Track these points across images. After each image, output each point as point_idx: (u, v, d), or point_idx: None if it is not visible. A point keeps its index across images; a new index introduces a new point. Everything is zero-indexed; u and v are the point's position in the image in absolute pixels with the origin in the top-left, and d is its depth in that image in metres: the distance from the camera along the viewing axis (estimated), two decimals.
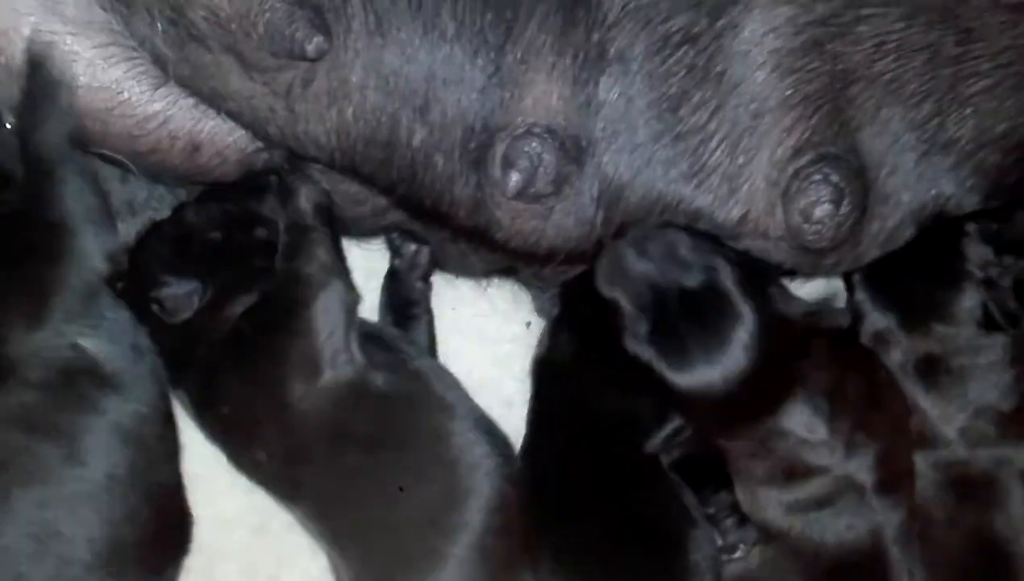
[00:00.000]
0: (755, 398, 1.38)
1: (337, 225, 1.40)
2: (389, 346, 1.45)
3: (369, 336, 1.42)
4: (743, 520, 1.40)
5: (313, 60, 1.24)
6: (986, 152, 1.32)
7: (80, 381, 1.33)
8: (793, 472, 1.41)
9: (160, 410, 1.39)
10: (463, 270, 1.54)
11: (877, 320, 1.45)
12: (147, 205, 1.47)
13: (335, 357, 1.37)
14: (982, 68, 1.29)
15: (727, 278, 1.34)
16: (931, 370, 1.43)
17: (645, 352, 1.36)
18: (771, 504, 1.42)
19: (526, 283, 1.57)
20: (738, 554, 1.39)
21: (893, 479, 1.40)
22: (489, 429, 1.43)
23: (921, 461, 1.44)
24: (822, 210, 1.28)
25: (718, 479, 1.42)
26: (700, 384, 1.35)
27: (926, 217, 1.34)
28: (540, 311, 1.60)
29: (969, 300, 1.42)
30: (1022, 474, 1.42)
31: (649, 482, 1.44)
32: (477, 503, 1.37)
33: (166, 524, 1.39)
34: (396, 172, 1.31)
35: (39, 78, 1.30)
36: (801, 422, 1.39)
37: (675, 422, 1.44)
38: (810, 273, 1.39)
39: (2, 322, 1.31)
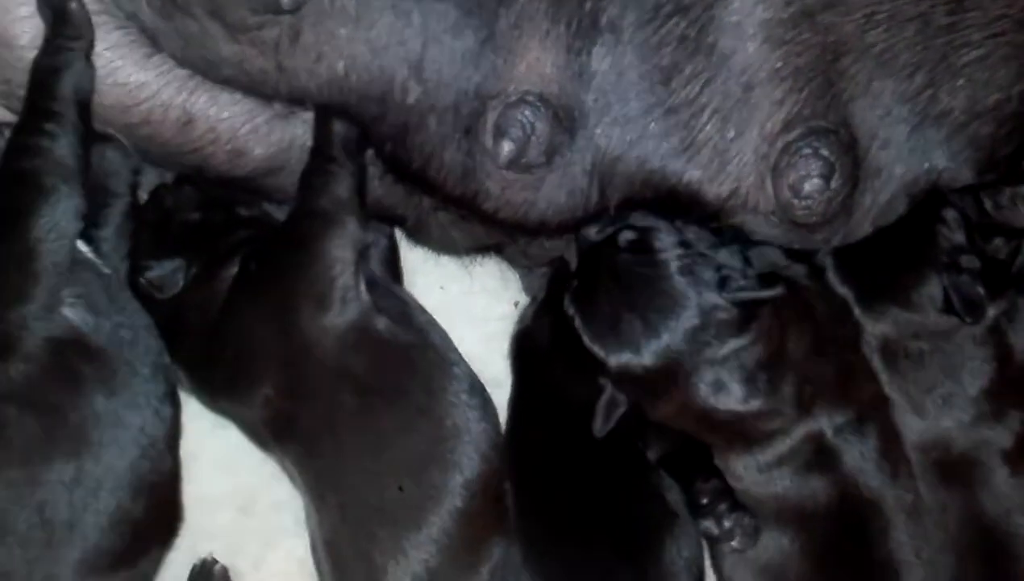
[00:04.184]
0: (673, 373, 1.37)
1: (363, 163, 1.38)
2: (393, 294, 1.44)
3: (374, 282, 1.41)
4: (736, 506, 1.38)
5: (290, 12, 1.22)
6: (979, 123, 1.31)
7: (67, 353, 1.31)
8: (751, 438, 1.40)
9: (153, 391, 1.37)
10: (446, 247, 1.52)
11: (838, 288, 1.45)
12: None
13: (344, 293, 1.36)
14: (974, 38, 1.28)
15: (668, 253, 1.35)
16: (889, 352, 1.43)
17: (571, 311, 1.37)
18: (742, 469, 1.42)
19: (513, 261, 1.56)
20: (735, 543, 1.38)
21: (860, 414, 1.41)
22: (482, 395, 1.42)
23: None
24: (812, 185, 1.28)
25: (706, 469, 1.41)
26: (609, 353, 1.36)
27: (919, 191, 1.34)
28: (528, 290, 1.59)
29: (929, 287, 1.41)
30: (1002, 453, 1.42)
31: (628, 475, 1.44)
32: (461, 465, 1.36)
33: (155, 517, 1.38)
34: (388, 128, 1.30)
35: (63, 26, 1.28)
36: (733, 399, 1.38)
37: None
38: (801, 248, 1.38)
39: None
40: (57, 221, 1.29)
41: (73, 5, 1.26)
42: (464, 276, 1.59)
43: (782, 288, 1.38)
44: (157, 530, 1.39)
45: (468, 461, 1.37)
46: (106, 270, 1.38)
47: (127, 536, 1.34)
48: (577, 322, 1.37)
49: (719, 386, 1.36)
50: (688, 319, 1.34)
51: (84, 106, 1.31)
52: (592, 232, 1.38)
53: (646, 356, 1.35)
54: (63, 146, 1.30)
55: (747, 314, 1.36)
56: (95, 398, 1.32)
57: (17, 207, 1.29)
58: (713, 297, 1.35)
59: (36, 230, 1.28)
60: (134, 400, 1.35)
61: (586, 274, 1.37)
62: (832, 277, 1.45)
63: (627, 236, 1.36)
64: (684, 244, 1.35)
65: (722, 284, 1.35)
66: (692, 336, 1.34)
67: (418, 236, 1.51)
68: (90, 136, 1.32)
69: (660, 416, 1.41)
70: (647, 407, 1.40)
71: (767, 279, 1.40)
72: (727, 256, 1.37)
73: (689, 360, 1.35)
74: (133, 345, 1.36)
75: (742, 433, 1.39)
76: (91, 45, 1.29)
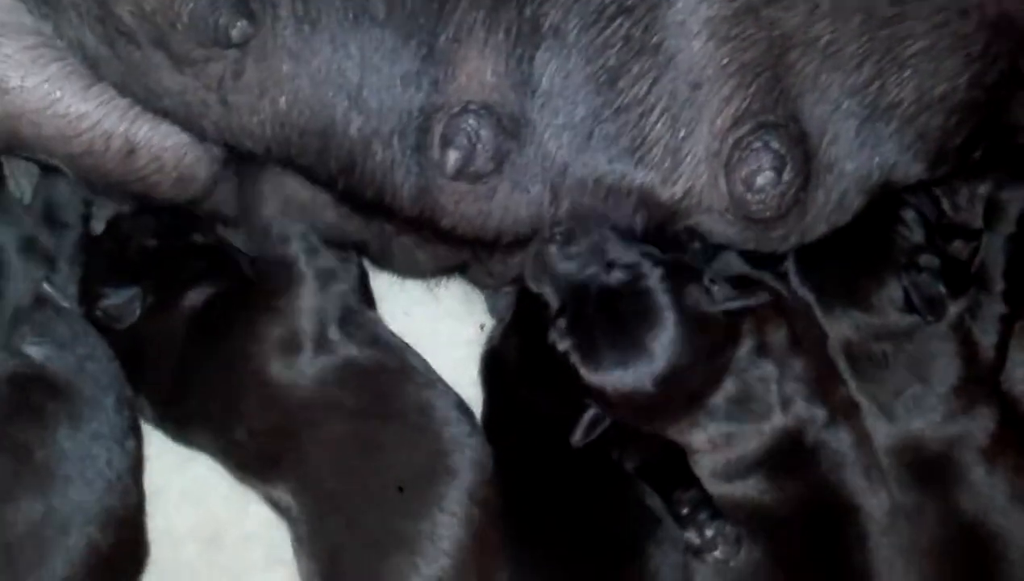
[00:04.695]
0: (676, 399, 1.36)
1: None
2: (364, 321, 1.45)
3: (348, 311, 1.42)
4: (716, 514, 1.36)
5: (238, 46, 1.22)
6: (928, 115, 1.30)
7: (31, 391, 1.30)
8: (734, 442, 1.39)
9: (118, 424, 1.36)
10: (410, 270, 1.51)
11: (800, 291, 1.43)
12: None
13: (316, 337, 1.37)
14: (918, 29, 1.28)
15: (651, 279, 1.33)
16: (852, 356, 1.41)
17: (564, 347, 1.34)
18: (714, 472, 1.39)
19: (477, 282, 1.55)
20: (718, 553, 1.35)
21: (835, 415, 1.39)
22: (466, 408, 1.42)
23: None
24: (764, 178, 1.27)
25: (684, 478, 1.39)
26: (611, 384, 1.34)
27: (872, 186, 1.33)
28: (493, 312, 1.57)
29: (888, 289, 1.40)
30: (977, 450, 1.39)
31: (607, 487, 1.42)
32: (462, 476, 1.36)
33: (122, 552, 1.36)
34: (335, 162, 1.29)
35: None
36: (724, 411, 1.37)
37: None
38: (759, 248, 1.36)
39: None
40: (17, 276, 1.31)
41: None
42: (429, 300, 1.58)
43: (765, 294, 1.37)
44: (123, 565, 1.37)
45: (468, 472, 1.37)
46: (65, 304, 1.37)
47: (96, 572, 1.31)
48: (574, 358, 1.34)
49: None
50: (682, 337, 1.32)
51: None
52: (572, 268, 1.35)
53: (648, 382, 1.33)
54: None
55: (733, 321, 1.35)
56: (61, 433, 1.31)
57: None
58: (700, 307, 1.33)
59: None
60: (99, 433, 1.34)
61: (577, 312, 1.34)
62: (793, 280, 1.44)
63: (618, 277, 1.34)
64: (666, 269, 1.33)
65: (706, 292, 1.34)
66: (689, 353, 1.33)
67: (382, 261, 1.50)
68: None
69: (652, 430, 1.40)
70: (645, 427, 1.39)
71: (741, 284, 1.39)
72: (707, 268, 1.38)
73: (690, 378, 1.34)
74: (96, 378, 1.36)
75: (728, 438, 1.37)
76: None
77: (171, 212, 1.45)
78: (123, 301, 1.40)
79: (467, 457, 1.38)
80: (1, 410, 1.29)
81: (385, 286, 1.56)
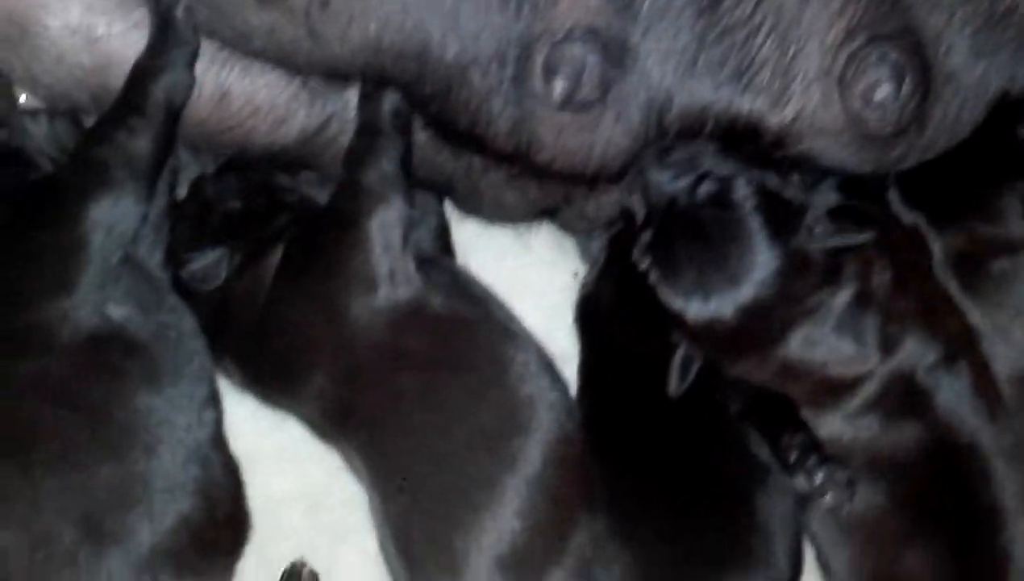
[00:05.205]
0: (760, 329, 1.30)
1: (410, 138, 1.34)
2: (446, 268, 1.39)
3: (426, 258, 1.36)
4: (827, 459, 1.30)
5: None
6: None
7: (111, 351, 1.25)
8: (834, 386, 1.32)
9: (198, 395, 1.32)
10: (499, 213, 1.46)
11: (906, 216, 1.38)
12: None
13: (393, 273, 1.31)
14: None
15: (739, 194, 1.27)
16: (968, 274, 1.36)
17: (645, 265, 1.30)
18: (827, 419, 1.33)
19: (569, 226, 1.50)
20: (829, 499, 1.29)
21: (949, 350, 1.32)
22: (548, 362, 1.36)
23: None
24: (883, 91, 1.23)
25: (791, 422, 1.33)
26: (690, 308, 1.28)
27: (991, 97, 1.28)
28: (586, 258, 1.52)
29: (1010, 197, 1.34)
30: None
31: (712, 432, 1.37)
32: (537, 433, 1.30)
33: (217, 522, 1.31)
34: (430, 87, 1.25)
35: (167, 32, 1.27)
36: (822, 349, 1.30)
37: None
38: (876, 170, 1.31)
39: (33, 286, 1.24)
40: (116, 216, 1.25)
41: (178, 12, 1.25)
42: (519, 249, 1.54)
43: (871, 232, 1.31)
44: (222, 538, 1.33)
45: (544, 430, 1.31)
46: (153, 271, 1.34)
47: (186, 543, 1.27)
48: (653, 277, 1.29)
49: (808, 339, 1.29)
50: (774, 269, 1.27)
51: (174, 115, 1.29)
52: (664, 178, 1.30)
53: (729, 310, 1.27)
54: (141, 144, 1.27)
55: (835, 261, 1.29)
56: (140, 397, 1.26)
57: (78, 192, 1.25)
58: (800, 244, 1.27)
59: (90, 219, 1.24)
60: (179, 401, 1.29)
61: (662, 226, 1.29)
62: (898, 205, 1.38)
63: (706, 189, 1.28)
64: (763, 190, 1.28)
65: (808, 230, 1.28)
66: (778, 287, 1.27)
67: (469, 204, 1.45)
68: (171, 146, 1.30)
69: (739, 372, 1.34)
70: (726, 364, 1.33)
71: (844, 217, 1.33)
72: (808, 201, 1.31)
73: (775, 312, 1.28)
74: (178, 345, 1.31)
75: (827, 382, 1.31)
76: (194, 55, 1.28)
77: (254, 171, 1.41)
78: (209, 263, 1.36)
79: (544, 414, 1.32)
80: (79, 369, 1.24)
81: (473, 235, 1.51)
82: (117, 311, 1.27)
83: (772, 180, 1.31)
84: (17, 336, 1.23)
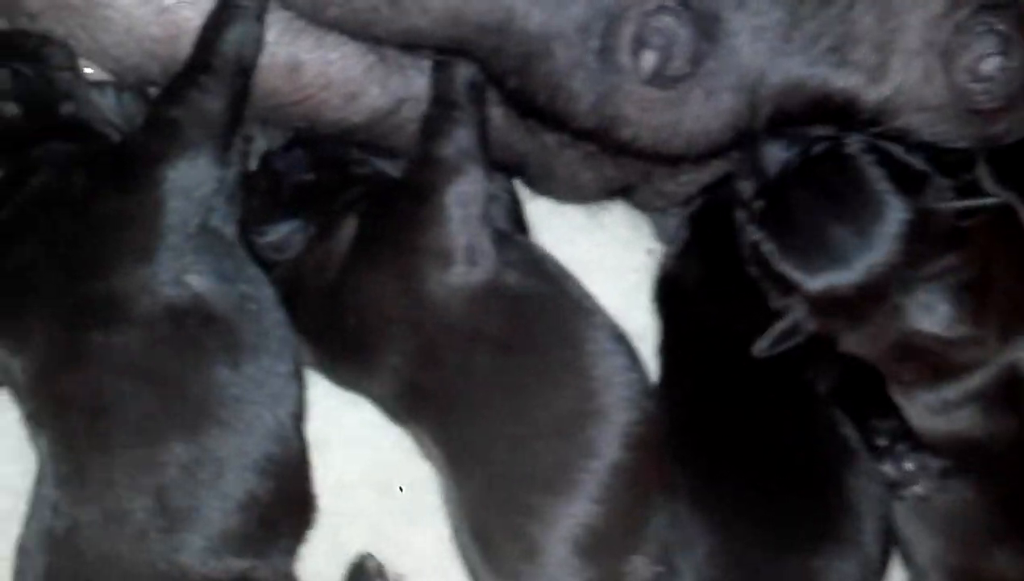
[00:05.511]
0: (883, 294, 1.24)
1: (485, 109, 1.30)
2: (520, 245, 1.35)
3: (500, 234, 1.32)
4: (918, 446, 1.26)
5: None
6: None
7: (189, 323, 1.22)
8: (943, 370, 1.28)
9: (280, 370, 1.28)
10: (573, 192, 1.42)
11: (998, 193, 1.32)
12: None
13: (470, 249, 1.27)
14: None
15: (863, 154, 1.23)
16: None
17: (757, 237, 1.25)
18: (922, 406, 1.29)
19: (645, 204, 1.45)
20: (919, 488, 1.25)
21: None
22: (625, 341, 1.31)
23: None
24: (991, 64, 1.18)
25: (881, 405, 1.29)
26: (812, 276, 1.24)
27: None
28: (662, 236, 1.48)
29: None
30: None
31: (799, 412, 1.32)
32: (614, 417, 1.26)
33: (286, 504, 1.28)
34: (510, 60, 1.21)
35: None
36: (940, 323, 1.25)
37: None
38: (978, 144, 1.27)
39: (110, 255, 1.21)
40: (192, 179, 1.22)
41: None
42: (593, 227, 1.49)
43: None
44: (288, 519, 1.29)
45: (621, 411, 1.27)
46: (232, 241, 1.30)
47: (254, 523, 1.24)
48: (769, 247, 1.24)
49: (927, 307, 1.23)
50: (901, 227, 1.21)
51: (244, 70, 1.25)
52: (776, 148, 1.25)
53: (857, 270, 1.22)
54: (213, 101, 1.23)
55: (958, 227, 1.23)
56: (219, 371, 1.22)
57: (152, 155, 1.22)
58: (925, 205, 1.22)
59: (168, 182, 1.21)
60: (260, 376, 1.25)
61: (777, 194, 1.25)
62: (990, 184, 1.33)
63: (820, 148, 1.23)
64: (878, 148, 1.23)
65: (933, 192, 1.23)
66: (905, 247, 1.22)
67: (542, 182, 1.41)
68: (243, 104, 1.26)
69: (852, 346, 1.29)
70: (842, 336, 1.28)
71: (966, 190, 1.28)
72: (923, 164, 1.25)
73: (897, 277, 1.23)
74: (259, 318, 1.27)
75: (937, 364, 1.26)
76: (262, 6, 1.24)
77: (323, 143, 1.37)
78: (283, 235, 1.33)
79: (620, 396, 1.27)
80: (157, 342, 1.21)
81: (545, 214, 1.47)
82: (197, 281, 1.23)
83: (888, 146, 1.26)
84: (94, 307, 1.20)
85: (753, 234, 1.25)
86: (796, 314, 1.26)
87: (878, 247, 1.22)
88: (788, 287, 1.25)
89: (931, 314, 1.24)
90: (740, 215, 1.27)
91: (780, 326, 1.27)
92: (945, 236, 1.23)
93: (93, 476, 1.18)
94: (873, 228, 1.22)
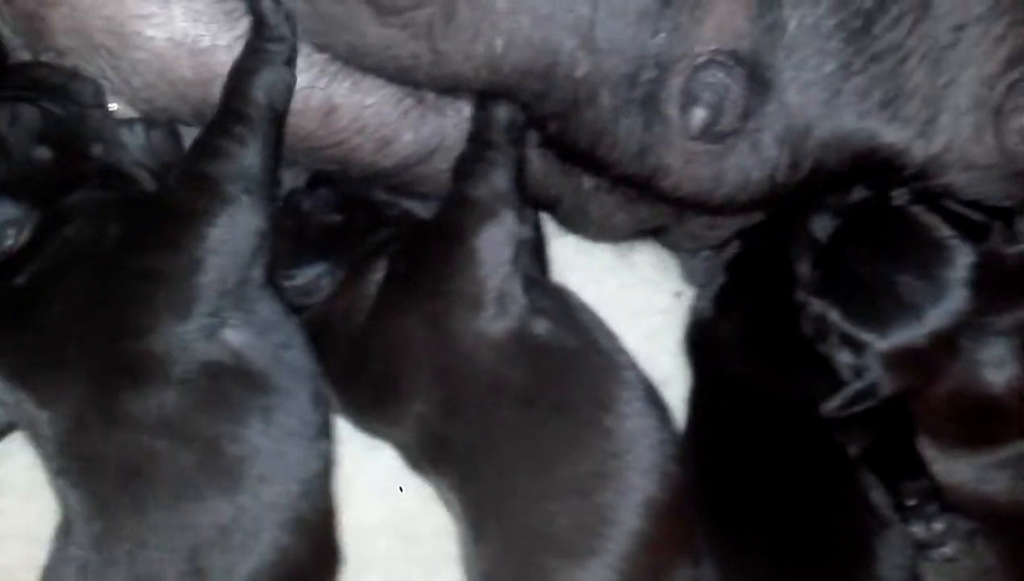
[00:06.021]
0: (956, 345, 1.21)
1: (524, 151, 1.27)
2: (553, 292, 1.31)
3: (531, 279, 1.28)
4: (947, 508, 1.23)
5: None
6: None
7: (225, 380, 1.18)
8: (995, 435, 1.24)
9: (313, 422, 1.25)
10: (604, 233, 1.39)
11: None
12: None
13: (500, 295, 1.23)
14: None
15: (911, 203, 1.21)
16: None
17: (819, 308, 1.22)
18: (955, 464, 1.26)
19: (675, 246, 1.43)
20: (947, 549, 1.22)
21: None
22: (656, 400, 1.28)
23: None
24: None
25: (912, 466, 1.26)
26: (888, 335, 1.20)
27: None
28: (690, 278, 1.45)
29: None
30: None
31: (832, 475, 1.29)
32: (637, 483, 1.22)
33: (314, 559, 1.24)
34: (554, 105, 1.18)
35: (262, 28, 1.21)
36: (1006, 378, 1.22)
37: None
38: (1014, 204, 1.24)
39: (146, 313, 1.17)
40: (233, 235, 1.18)
41: (270, 7, 1.18)
42: (621, 267, 1.47)
43: None
44: (315, 573, 1.26)
45: (646, 477, 1.23)
46: (264, 286, 1.26)
47: (281, 577, 1.20)
48: (834, 314, 1.21)
49: (997, 363, 1.20)
50: (971, 271, 1.17)
51: (278, 115, 1.21)
52: (823, 217, 1.23)
53: (930, 321, 1.18)
54: (251, 154, 1.19)
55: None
56: (253, 428, 1.19)
57: (192, 212, 1.18)
58: (993, 247, 1.19)
59: (209, 240, 1.17)
60: (293, 430, 1.22)
61: (831, 257, 1.22)
62: None
63: (865, 204, 1.21)
64: (924, 200, 1.20)
65: (997, 237, 1.20)
66: (977, 292, 1.18)
67: (573, 222, 1.38)
68: (280, 152, 1.23)
69: (927, 406, 1.24)
70: (915, 395, 1.24)
71: None
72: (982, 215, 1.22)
73: (969, 327, 1.19)
74: (293, 369, 1.24)
75: (991, 428, 1.23)
76: (293, 50, 1.21)
77: (348, 182, 1.34)
78: (311, 278, 1.29)
79: (646, 460, 1.24)
80: (192, 400, 1.17)
81: (572, 252, 1.44)
82: (233, 336, 1.20)
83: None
84: (129, 366, 1.16)
85: (815, 307, 1.21)
86: (871, 375, 1.22)
87: (949, 293, 1.18)
88: (859, 349, 1.21)
89: (1001, 370, 1.20)
90: (800, 295, 1.24)
91: (855, 387, 1.22)
92: (1018, 281, 1.20)
93: (126, 537, 1.15)
94: (942, 274, 1.18)
